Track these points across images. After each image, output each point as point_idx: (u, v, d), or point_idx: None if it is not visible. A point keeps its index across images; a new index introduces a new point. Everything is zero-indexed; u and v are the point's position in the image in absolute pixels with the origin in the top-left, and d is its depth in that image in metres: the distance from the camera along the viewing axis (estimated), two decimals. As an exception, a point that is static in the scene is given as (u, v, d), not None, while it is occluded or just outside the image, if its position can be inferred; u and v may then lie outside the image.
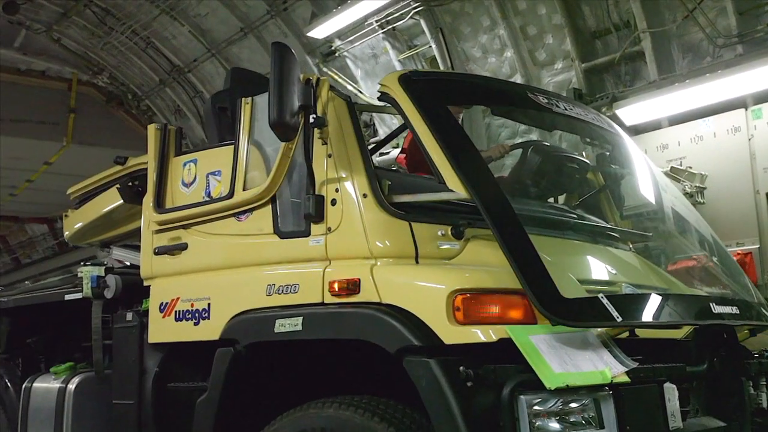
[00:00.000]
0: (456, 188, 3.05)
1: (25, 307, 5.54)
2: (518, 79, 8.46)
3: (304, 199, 3.47)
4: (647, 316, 3.11)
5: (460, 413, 2.68)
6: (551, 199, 4.60)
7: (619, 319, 2.77)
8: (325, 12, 9.28)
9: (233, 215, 3.89)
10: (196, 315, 3.89)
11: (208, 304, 3.87)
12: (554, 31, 8.15)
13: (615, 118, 7.38)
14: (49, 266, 16.82)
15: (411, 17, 8.86)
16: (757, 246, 6.58)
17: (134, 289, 4.35)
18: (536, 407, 2.65)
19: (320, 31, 9.43)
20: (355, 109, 3.59)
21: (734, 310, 3.36)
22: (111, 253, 5.30)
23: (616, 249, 4.16)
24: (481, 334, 2.80)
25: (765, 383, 3.60)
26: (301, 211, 3.50)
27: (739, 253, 6.50)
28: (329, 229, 3.43)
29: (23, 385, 5.07)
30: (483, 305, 2.89)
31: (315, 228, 3.47)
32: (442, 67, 8.92)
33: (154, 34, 11.29)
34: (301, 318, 3.31)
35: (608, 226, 4.41)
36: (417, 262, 3.24)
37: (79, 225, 5.59)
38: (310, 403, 3.20)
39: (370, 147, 3.79)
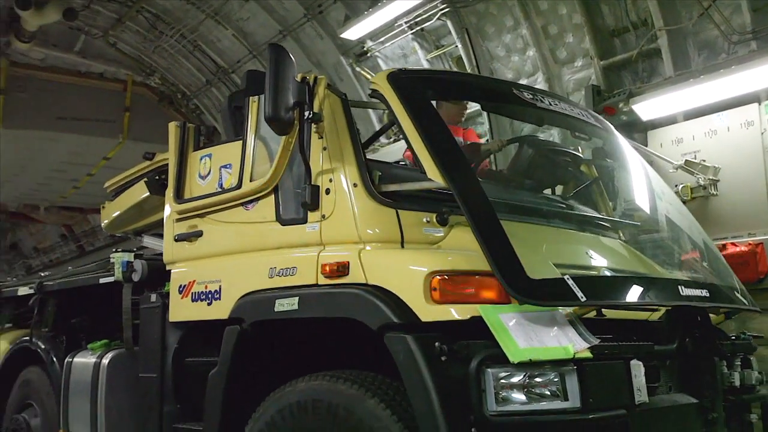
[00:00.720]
0: (434, 177, 3.06)
1: (68, 290, 5.67)
2: (540, 76, 8.30)
3: (302, 189, 3.51)
4: (612, 296, 3.14)
5: (433, 385, 2.70)
6: (548, 190, 4.54)
7: (583, 299, 2.77)
8: (357, 14, 9.17)
9: (241, 204, 3.97)
10: (209, 296, 3.97)
11: (220, 286, 3.93)
12: (574, 30, 7.94)
13: (631, 114, 7.21)
14: (109, 254, 17.05)
15: (438, 18, 8.72)
16: (769, 236, 6.31)
17: (158, 273, 4.45)
18: (503, 380, 2.67)
19: (353, 33, 9.32)
20: (349, 105, 3.63)
21: (704, 293, 3.34)
22: (142, 241, 5.49)
23: (603, 237, 4.13)
24: (455, 313, 2.84)
25: (740, 363, 3.56)
26: (300, 200, 3.55)
27: (750, 244, 6.27)
28: (323, 216, 3.47)
29: (65, 360, 5.22)
30: (457, 286, 2.92)
31: (311, 215, 3.52)
32: (467, 66, 8.80)
33: (200, 38, 11.29)
34: (297, 298, 3.36)
35: (593, 214, 4.36)
36: (402, 246, 3.27)
37: (114, 215, 5.79)
38: (305, 377, 3.26)
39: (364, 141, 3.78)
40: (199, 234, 4.23)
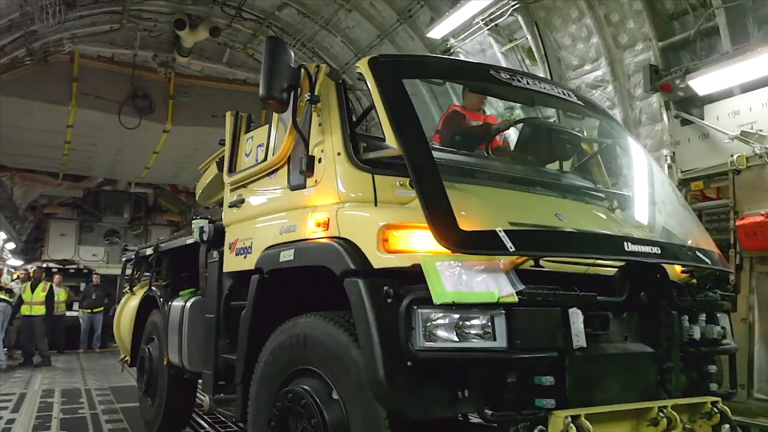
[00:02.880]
0: (391, 143, 2.98)
1: (173, 249, 5.85)
2: (603, 61, 7.41)
3: (302, 159, 3.47)
4: (546, 249, 2.86)
5: (374, 323, 2.64)
6: (555, 164, 4.27)
7: (512, 249, 2.55)
8: (440, 16, 8.60)
9: (267, 175, 3.99)
10: (245, 251, 4.03)
11: (251, 243, 3.97)
12: (635, 17, 6.98)
13: (688, 89, 6.21)
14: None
15: (510, 14, 7.98)
16: (827, 202, 5.19)
17: (222, 235, 4.49)
18: (431, 320, 2.55)
19: (437, 32, 8.75)
20: (341, 88, 3.53)
21: (655, 250, 2.99)
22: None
23: (589, 205, 3.86)
24: (400, 260, 2.76)
25: (704, 318, 3.27)
26: (300, 168, 3.51)
27: (806, 210, 5.20)
28: (316, 181, 3.45)
29: (167, 303, 5.42)
30: (405, 237, 2.82)
31: (309, 181, 3.50)
32: (536, 56, 7.99)
33: (316, 45, 11.08)
34: (293, 250, 3.38)
35: (575, 183, 4.05)
36: (376, 205, 3.15)
37: (200, 190, 6.14)
38: (300, 315, 3.28)
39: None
40: (242, 201, 4.27)
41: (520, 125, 4.46)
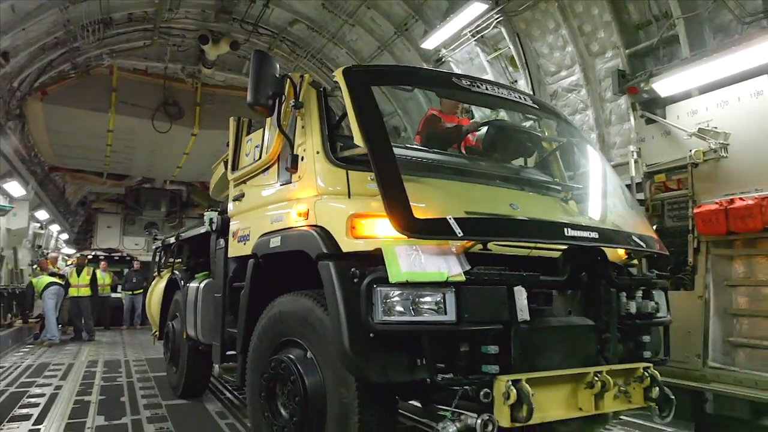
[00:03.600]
0: (358, 142, 2.97)
1: (191, 238, 5.92)
2: (577, 68, 7.29)
3: (288, 157, 3.48)
4: (491, 233, 2.86)
5: (342, 300, 2.67)
6: (521, 161, 4.30)
7: (460, 234, 2.59)
8: (432, 28, 8.46)
9: (262, 172, 4.01)
10: (245, 238, 4.06)
11: (249, 231, 4.00)
12: (604, 27, 6.84)
13: (652, 92, 6.13)
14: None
15: (494, 27, 7.85)
16: (775, 191, 5.10)
17: (228, 225, 4.52)
18: (392, 297, 2.57)
19: (430, 43, 8.64)
20: (321, 95, 3.53)
21: (593, 235, 3.05)
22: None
23: (543, 195, 3.86)
24: (365, 245, 2.79)
25: (641, 295, 3.31)
26: (286, 165, 3.52)
27: (756, 198, 5.10)
28: (299, 177, 3.46)
29: (186, 285, 5.50)
30: (369, 225, 2.84)
31: (294, 177, 3.51)
32: (518, 63, 7.89)
33: (324, 57, 10.99)
34: (280, 237, 3.40)
35: (527, 177, 4.02)
36: (349, 197, 3.14)
37: (212, 186, 6.17)
38: (285, 294, 3.36)
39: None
40: (243, 195, 4.30)
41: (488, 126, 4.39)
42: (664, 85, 5.95)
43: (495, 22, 7.75)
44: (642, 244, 3.37)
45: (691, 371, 5.34)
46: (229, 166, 4.56)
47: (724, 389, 5.04)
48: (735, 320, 5.43)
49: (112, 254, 18.92)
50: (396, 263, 2.57)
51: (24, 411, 5.65)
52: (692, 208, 5.66)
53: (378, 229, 2.78)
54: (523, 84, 8.06)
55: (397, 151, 3.37)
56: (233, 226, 4.35)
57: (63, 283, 12.20)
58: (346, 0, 9.36)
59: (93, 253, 17.67)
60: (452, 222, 2.58)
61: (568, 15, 7.13)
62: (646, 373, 3.09)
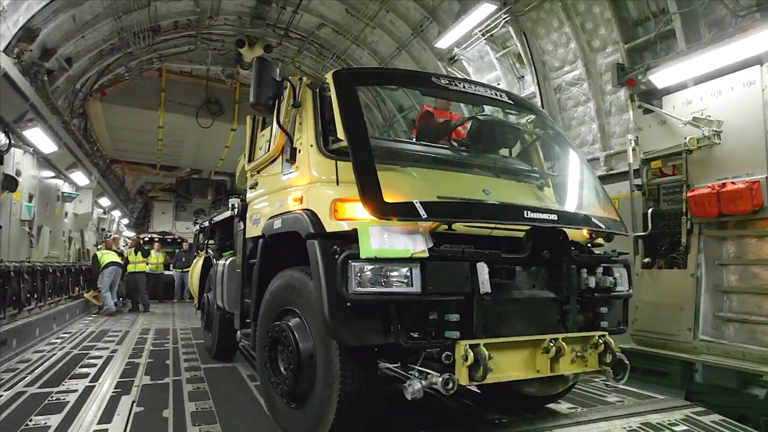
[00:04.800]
0: (340, 136, 2.99)
1: (222, 221, 6.08)
2: (579, 63, 7.04)
3: (288, 150, 3.55)
4: (453, 215, 2.89)
5: (323, 274, 2.73)
6: (504, 151, 4.30)
7: (425, 216, 2.63)
8: (446, 29, 8.26)
9: (270, 163, 4.05)
10: (257, 221, 4.12)
11: (260, 215, 4.07)
12: (605, 24, 6.58)
13: (649, 83, 5.89)
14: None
15: (502, 26, 7.64)
16: (765, 176, 4.87)
17: (246, 209, 4.58)
18: (365, 271, 2.62)
19: (444, 43, 8.45)
20: (317, 95, 3.55)
21: (552, 216, 3.05)
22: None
23: (518, 182, 3.82)
24: (345, 225, 2.85)
25: (602, 271, 3.31)
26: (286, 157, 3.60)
27: (747, 182, 4.88)
28: (297, 167, 3.51)
29: (216, 262, 5.60)
30: (350, 208, 2.88)
31: (293, 167, 3.56)
32: (525, 60, 7.67)
33: (349, 57, 10.86)
34: (281, 220, 3.46)
35: (508, 166, 3.99)
36: (337, 185, 3.16)
37: (238, 176, 6.14)
38: (285, 269, 3.43)
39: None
40: (257, 183, 4.37)
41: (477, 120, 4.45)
42: (660, 77, 5.71)
43: (503, 21, 7.54)
44: (601, 225, 3.38)
45: (682, 343, 5.17)
46: (246, 158, 4.65)
47: (714, 360, 4.87)
48: (725, 297, 5.22)
49: (165, 236, 19.34)
50: (368, 241, 2.62)
51: (83, 370, 5.82)
52: (686, 192, 5.44)
53: (358, 212, 2.84)
54: (529, 79, 7.85)
55: (384, 144, 3.60)
56: (250, 210, 4.43)
57: (122, 261, 12.48)
58: (367, 5, 9.22)
59: (149, 236, 18.08)
60: (418, 205, 2.62)
61: (571, 13, 6.88)
62: (600, 340, 3.11)
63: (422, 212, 2.61)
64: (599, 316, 3.29)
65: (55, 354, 6.84)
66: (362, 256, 2.60)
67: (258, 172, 4.36)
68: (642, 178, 6.11)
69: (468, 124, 4.42)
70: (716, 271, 5.28)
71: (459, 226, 2.95)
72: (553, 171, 4.25)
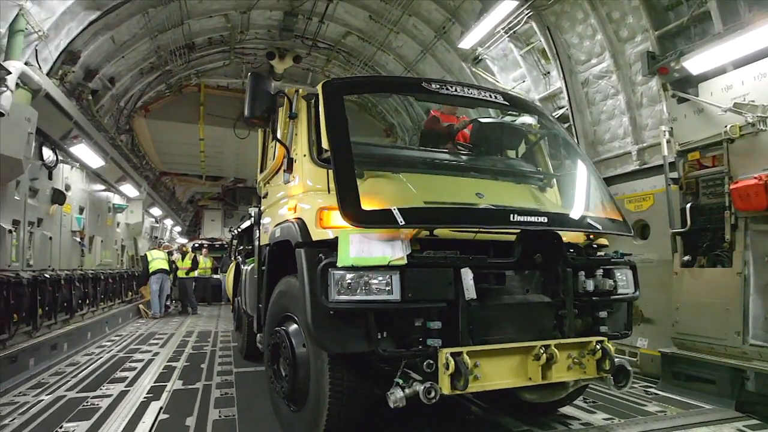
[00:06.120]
0: (325, 145, 2.94)
1: (246, 229, 6.22)
2: (606, 55, 6.47)
3: (285, 160, 3.49)
4: (432, 221, 2.72)
5: (307, 281, 2.64)
6: (510, 153, 4.16)
7: (402, 223, 2.51)
8: (468, 29, 7.82)
9: (275, 174, 4.04)
10: (266, 229, 4.10)
11: (269, 223, 4.05)
12: (633, 12, 6.00)
13: (683, 71, 5.29)
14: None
15: (525, 22, 7.14)
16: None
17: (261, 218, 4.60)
18: (345, 279, 2.52)
19: (467, 43, 7.98)
20: (311, 106, 3.48)
21: (542, 219, 2.83)
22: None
23: (517, 185, 3.64)
24: (330, 233, 2.75)
25: (602, 274, 3.09)
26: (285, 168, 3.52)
27: (799, 170, 4.24)
28: (294, 177, 3.47)
29: (242, 268, 5.70)
30: (334, 216, 2.76)
31: (291, 177, 3.49)
32: (549, 56, 7.16)
33: (375, 63, 10.61)
34: (279, 228, 3.38)
35: (507, 168, 3.83)
36: (329, 193, 3.05)
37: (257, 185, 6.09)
38: (285, 276, 3.37)
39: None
40: (267, 193, 4.40)
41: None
42: (695, 63, 5.11)
43: (526, 17, 7.04)
44: (597, 226, 3.17)
45: (730, 348, 4.57)
46: (258, 169, 4.69)
47: (767, 367, 4.25)
48: (777, 296, 4.57)
49: (214, 242, 19.66)
50: (346, 249, 2.53)
51: (123, 374, 5.78)
52: (728, 185, 4.82)
53: (342, 221, 2.72)
54: (555, 75, 7.32)
55: (381, 151, 3.57)
56: (263, 219, 4.46)
57: (169, 268, 12.64)
58: (390, 10, 8.90)
59: (197, 243, 18.40)
60: (395, 212, 2.51)
61: (596, 4, 6.34)
62: (597, 346, 2.91)
63: (400, 219, 2.50)
64: (599, 320, 3.11)
65: (102, 357, 6.88)
66: (339, 264, 2.52)
67: (268, 182, 4.41)
68: (678, 171, 5.50)
69: (464, 128, 4.30)
70: (766, 269, 4.63)
71: (444, 232, 2.84)
72: (555, 171, 4.09)
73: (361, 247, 2.54)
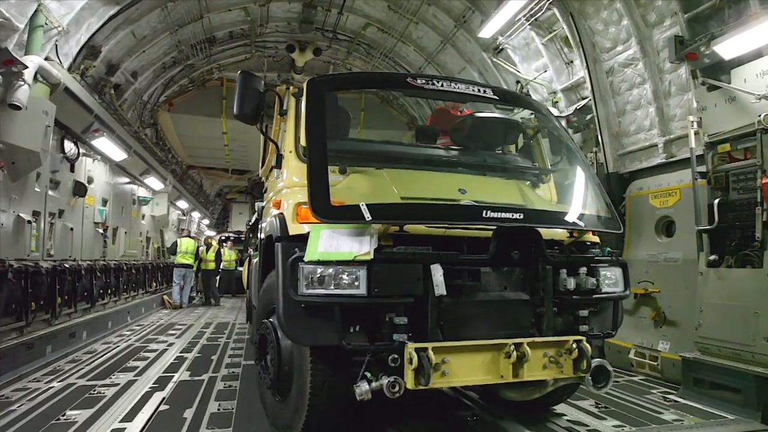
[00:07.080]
0: (303, 142, 2.99)
1: (254, 223, 6.26)
2: (633, 41, 6.13)
3: (275, 156, 3.56)
4: (400, 217, 2.74)
5: (282, 274, 2.67)
6: (499, 148, 4.18)
7: (369, 218, 2.51)
8: (488, 17, 7.60)
9: (271, 170, 4.14)
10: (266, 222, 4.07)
11: (266, 217, 4.11)
12: (662, -6, 5.63)
13: (714, 55, 4.95)
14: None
15: (547, 8, 6.86)
16: None
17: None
18: (314, 273, 2.55)
19: (487, 32, 7.77)
20: (299, 103, 3.44)
21: (518, 216, 2.78)
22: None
23: (507, 180, 3.58)
24: (306, 228, 2.78)
25: (585, 272, 3.02)
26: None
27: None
28: (283, 173, 3.52)
29: (252, 261, 5.95)
30: (310, 212, 2.69)
31: (280, 173, 3.56)
32: (572, 43, 6.85)
33: (395, 55, 10.46)
34: (268, 223, 3.48)
35: (496, 164, 3.79)
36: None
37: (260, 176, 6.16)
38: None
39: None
40: (266, 189, 4.54)
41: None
42: (727, 47, 4.76)
43: (548, 3, 6.76)
44: (580, 223, 3.07)
45: (759, 356, 4.25)
46: (259, 164, 4.87)
47: (798, 376, 3.94)
48: (813, 300, 4.23)
49: (240, 235, 19.98)
50: (315, 244, 2.54)
51: (134, 363, 5.89)
52: (761, 179, 4.47)
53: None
54: (578, 63, 7.01)
55: (368, 147, 3.66)
56: (264, 212, 4.55)
57: (193, 263, 12.88)
58: (408, 0, 8.73)
59: (224, 236, 18.72)
60: (363, 208, 2.52)
61: (623, -13, 6.00)
62: (574, 345, 2.85)
63: (367, 215, 2.50)
64: (579, 319, 3.04)
65: (118, 346, 7.04)
66: (306, 258, 2.55)
67: (267, 178, 4.58)
68: (707, 164, 5.16)
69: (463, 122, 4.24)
70: (801, 270, 4.29)
71: (417, 228, 2.85)
72: (550, 166, 4.02)
73: (330, 242, 2.57)
